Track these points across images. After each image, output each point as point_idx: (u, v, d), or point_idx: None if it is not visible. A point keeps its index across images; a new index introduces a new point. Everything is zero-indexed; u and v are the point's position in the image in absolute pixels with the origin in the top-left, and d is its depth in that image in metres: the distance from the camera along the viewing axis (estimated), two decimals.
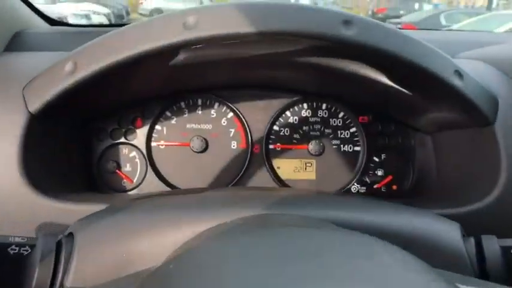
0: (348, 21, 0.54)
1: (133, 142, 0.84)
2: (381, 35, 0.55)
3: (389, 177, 0.85)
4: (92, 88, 0.62)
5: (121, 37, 0.57)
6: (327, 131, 0.86)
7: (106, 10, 9.86)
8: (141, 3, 14.26)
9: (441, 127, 0.76)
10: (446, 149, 0.77)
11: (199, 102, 0.86)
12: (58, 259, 0.43)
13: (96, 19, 8.20)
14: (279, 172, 0.86)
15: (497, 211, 0.61)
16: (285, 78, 0.80)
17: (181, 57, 0.62)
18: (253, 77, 0.80)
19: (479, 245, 0.47)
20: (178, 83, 0.80)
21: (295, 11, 0.54)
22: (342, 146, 0.86)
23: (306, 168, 0.86)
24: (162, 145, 0.85)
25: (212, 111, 0.86)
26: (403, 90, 0.67)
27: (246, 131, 0.85)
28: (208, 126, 0.85)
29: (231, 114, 0.86)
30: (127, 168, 0.84)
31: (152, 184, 0.83)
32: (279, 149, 0.86)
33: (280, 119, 0.86)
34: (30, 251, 0.43)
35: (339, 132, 0.86)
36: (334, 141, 0.86)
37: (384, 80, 0.66)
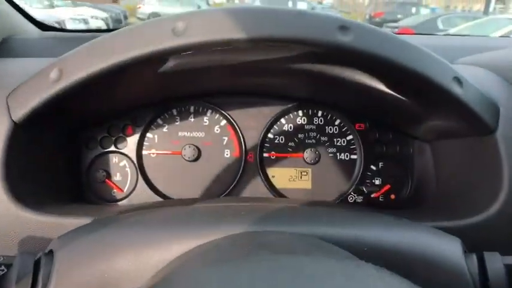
0: (344, 27, 0.51)
1: (124, 150, 0.82)
2: (379, 41, 0.53)
3: (387, 186, 0.83)
4: (79, 96, 0.59)
5: (108, 43, 0.55)
6: (322, 138, 0.84)
7: (104, 14, 9.85)
8: (139, 7, 14.27)
9: (440, 135, 0.74)
10: (445, 157, 0.75)
11: (192, 109, 0.84)
12: (36, 280, 0.40)
13: (94, 24, 8.19)
14: (274, 181, 0.84)
15: (499, 224, 0.59)
16: (278, 84, 0.78)
17: (170, 64, 0.60)
18: (246, 83, 0.78)
19: (481, 263, 0.44)
20: (169, 90, 0.78)
21: (289, 16, 0.52)
22: (338, 154, 0.84)
23: (301, 177, 0.84)
24: (153, 154, 0.83)
25: (205, 119, 0.84)
26: (401, 97, 0.65)
27: (240, 139, 0.83)
28: (201, 134, 0.83)
29: (224, 121, 0.84)
30: (117, 177, 0.82)
31: (143, 194, 0.81)
32: (273, 157, 0.84)
33: (275, 126, 0.84)
34: (6, 270, 0.41)
35: (335, 140, 0.84)
36: (330, 149, 0.84)
37: (381, 86, 0.64)
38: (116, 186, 0.81)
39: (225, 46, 0.53)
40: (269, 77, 0.73)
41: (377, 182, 0.84)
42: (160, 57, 0.54)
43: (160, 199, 0.81)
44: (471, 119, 0.60)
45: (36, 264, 0.41)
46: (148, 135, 0.83)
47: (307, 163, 0.83)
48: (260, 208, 0.52)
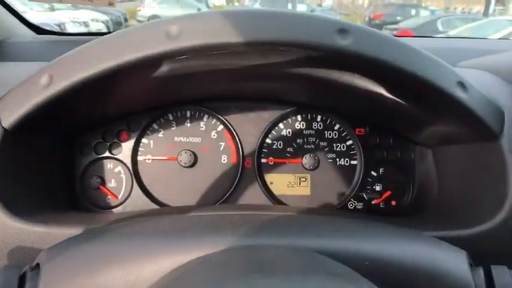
0: (343, 30, 0.50)
1: (119, 156, 0.80)
2: (379, 44, 0.51)
3: (388, 193, 0.81)
4: (70, 101, 0.58)
5: (100, 47, 0.53)
6: (322, 144, 0.82)
7: (104, 17, 9.84)
8: (139, 10, 14.28)
9: (442, 140, 0.72)
10: (448, 163, 0.73)
11: (188, 114, 0.82)
12: None
13: (95, 26, 8.20)
14: (272, 188, 0.82)
15: (504, 234, 0.57)
16: (277, 89, 0.76)
17: (164, 68, 0.58)
18: (243, 88, 0.76)
19: (489, 277, 0.42)
20: (164, 95, 0.76)
21: (286, 19, 0.50)
22: (337, 159, 0.82)
23: (300, 183, 0.82)
24: (148, 159, 0.81)
25: (201, 124, 0.82)
26: (402, 102, 0.63)
27: (237, 144, 0.81)
28: (197, 140, 0.81)
29: (221, 126, 0.82)
30: (112, 184, 0.80)
31: (138, 201, 0.79)
32: (271, 163, 0.82)
33: (273, 131, 0.83)
34: None
35: (334, 145, 0.82)
36: (330, 155, 0.82)
37: (381, 91, 0.62)
38: (111, 192, 0.79)
39: (221, 50, 0.51)
40: (267, 81, 0.71)
41: (377, 188, 0.82)
42: (153, 61, 0.52)
43: (155, 206, 0.79)
44: (475, 124, 0.58)
45: (22, 279, 0.40)
46: (144, 140, 0.81)
47: (306, 169, 0.81)
48: (257, 218, 0.51)
